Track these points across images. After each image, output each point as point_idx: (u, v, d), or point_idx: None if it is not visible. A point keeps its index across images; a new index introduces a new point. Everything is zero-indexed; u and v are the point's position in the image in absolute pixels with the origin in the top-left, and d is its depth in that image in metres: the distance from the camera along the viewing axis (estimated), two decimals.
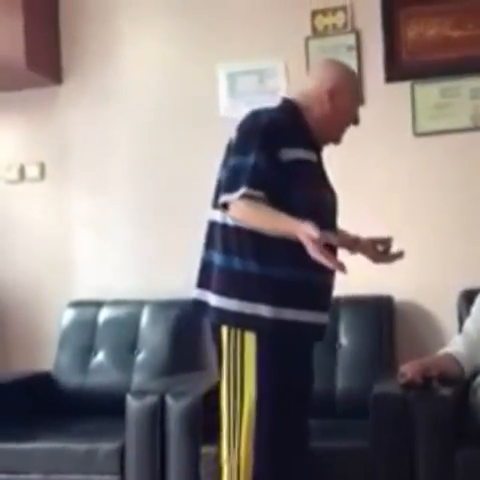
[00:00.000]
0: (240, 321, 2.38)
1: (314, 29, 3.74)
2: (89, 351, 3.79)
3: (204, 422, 3.10)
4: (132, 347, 3.73)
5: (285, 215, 2.30)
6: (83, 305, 3.93)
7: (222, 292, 2.41)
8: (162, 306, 3.79)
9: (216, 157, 3.78)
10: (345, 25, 3.71)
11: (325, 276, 2.47)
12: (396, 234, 3.56)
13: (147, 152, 4.00)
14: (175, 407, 3.13)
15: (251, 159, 2.34)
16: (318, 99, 2.53)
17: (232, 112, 3.86)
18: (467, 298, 3.37)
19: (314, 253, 2.19)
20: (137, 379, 3.63)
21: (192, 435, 3.11)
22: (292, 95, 2.62)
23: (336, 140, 2.62)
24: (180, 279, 3.82)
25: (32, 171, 4.18)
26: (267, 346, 2.37)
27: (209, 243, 2.54)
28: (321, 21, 3.74)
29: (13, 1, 3.82)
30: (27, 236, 4.17)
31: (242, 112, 3.73)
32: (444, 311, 3.52)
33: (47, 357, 3.90)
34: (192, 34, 3.93)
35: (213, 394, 3.17)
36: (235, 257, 2.40)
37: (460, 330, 3.28)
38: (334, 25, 3.72)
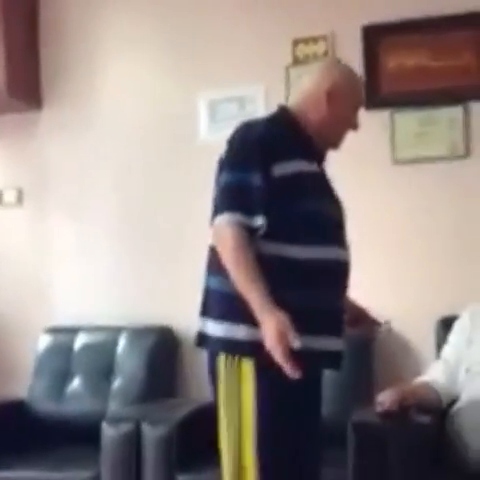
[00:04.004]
0: (240, 349, 2.20)
1: (295, 57, 3.76)
2: (65, 378, 3.75)
3: (181, 450, 3.08)
4: (108, 374, 3.70)
5: (262, 286, 2.13)
6: (59, 331, 3.89)
7: (219, 318, 2.25)
8: (139, 333, 3.76)
9: (196, 184, 3.80)
10: (326, 54, 3.74)
11: (337, 299, 2.33)
12: (373, 260, 3.58)
13: (127, 178, 3.99)
14: (151, 434, 3.10)
15: (245, 177, 2.20)
16: (315, 101, 2.37)
17: (212, 139, 3.87)
18: (444, 325, 3.37)
19: (276, 353, 2.06)
20: (113, 406, 3.59)
21: (168, 463, 3.08)
22: (290, 100, 2.47)
23: (334, 145, 2.45)
24: (157, 306, 3.83)
25: (10, 196, 4.16)
26: (269, 376, 2.16)
27: (208, 268, 2.34)
28: (302, 50, 3.76)
29: None
30: (4, 262, 4.14)
31: (222, 139, 3.79)
32: (421, 339, 3.51)
33: (22, 384, 3.85)
34: (173, 61, 3.93)
35: (190, 421, 3.17)
36: (224, 279, 2.22)
37: (438, 357, 3.27)
38: (315, 54, 3.74)
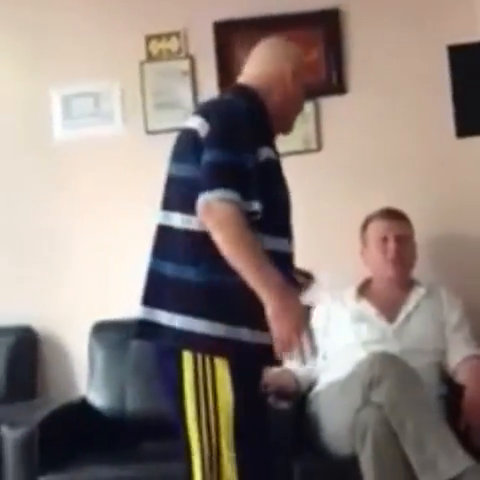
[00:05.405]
0: (213, 346, 2.03)
1: (149, 53, 3.76)
2: None
3: (43, 451, 3.03)
4: None
5: (275, 269, 1.98)
6: None
7: (186, 311, 2.03)
8: None
9: (51, 182, 3.73)
10: (179, 50, 3.76)
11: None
12: None
13: None
14: (11, 437, 3.03)
15: (238, 158, 2.00)
16: (280, 81, 2.25)
17: (67, 135, 3.81)
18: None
19: (292, 338, 1.98)
20: None
21: (30, 465, 3.02)
22: (246, 79, 2.28)
23: (289, 128, 2.35)
24: (15, 304, 3.72)
25: None
26: (245, 374, 2.05)
27: (159, 251, 2.11)
28: (156, 46, 3.77)
29: None
30: None
31: (77, 135, 3.74)
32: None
33: None
34: (24, 55, 3.83)
35: (52, 421, 3.13)
36: (203, 269, 2.03)
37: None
38: (168, 50, 3.76)
